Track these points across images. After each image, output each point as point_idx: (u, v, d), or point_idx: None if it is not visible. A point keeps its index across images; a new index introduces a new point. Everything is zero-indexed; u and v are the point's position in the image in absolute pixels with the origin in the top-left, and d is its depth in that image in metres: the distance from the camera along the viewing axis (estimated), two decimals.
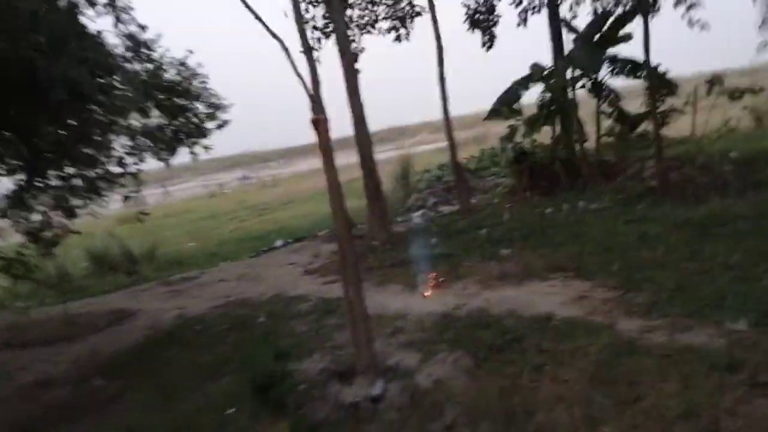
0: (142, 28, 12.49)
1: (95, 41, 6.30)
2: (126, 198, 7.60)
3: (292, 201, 29.44)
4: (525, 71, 15.09)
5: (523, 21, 16.71)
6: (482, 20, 16.90)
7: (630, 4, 14.11)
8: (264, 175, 50.57)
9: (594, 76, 14.02)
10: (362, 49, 16.29)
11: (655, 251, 7.74)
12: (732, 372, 4.25)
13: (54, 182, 5.91)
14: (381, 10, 16.80)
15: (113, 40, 11.32)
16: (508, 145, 15.88)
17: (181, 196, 44.78)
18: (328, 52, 13.90)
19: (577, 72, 14.07)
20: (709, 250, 7.33)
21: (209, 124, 14.22)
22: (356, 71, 11.90)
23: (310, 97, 5.30)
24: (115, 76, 6.84)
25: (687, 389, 4.13)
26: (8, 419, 5.85)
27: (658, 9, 15.14)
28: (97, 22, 8.87)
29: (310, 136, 5.43)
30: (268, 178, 45.88)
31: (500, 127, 16.39)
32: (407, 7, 16.89)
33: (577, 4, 16.53)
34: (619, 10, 14.26)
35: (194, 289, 10.39)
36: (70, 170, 6.11)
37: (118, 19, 12.11)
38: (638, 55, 13.37)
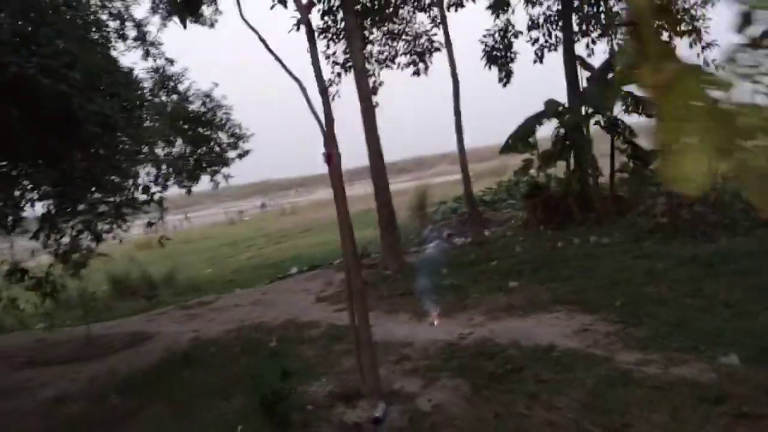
0: (170, 62, 13.20)
1: (127, 76, 6.76)
2: (150, 224, 7.98)
3: (309, 229, 29.86)
4: (541, 106, 15.43)
5: (540, 58, 17.15)
6: (499, 56, 17.35)
7: None
8: (283, 203, 51.36)
9: (609, 112, 14.28)
10: (381, 83, 16.79)
11: (659, 287, 7.89)
12: (718, 404, 4.40)
13: (82, 207, 6.30)
14: (400, 45, 17.34)
15: (142, 74, 11.99)
16: (522, 179, 16.10)
17: (202, 223, 45.54)
18: (349, 85, 14.42)
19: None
20: (712, 287, 7.47)
21: (231, 154, 14.80)
22: (373, 106, 12.33)
23: (324, 133, 5.65)
24: (144, 109, 7.30)
25: (674, 419, 4.29)
26: None
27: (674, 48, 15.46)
28: (126, 55, 9.39)
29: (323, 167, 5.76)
30: (287, 206, 46.56)
31: (518, 160, 16.66)
32: (426, 43, 17.40)
33: (594, 42, 17.00)
34: None
35: (210, 313, 10.70)
36: (98, 196, 6.51)
37: (147, 53, 12.81)
38: None
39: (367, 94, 12.30)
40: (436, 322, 8.20)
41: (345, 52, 15.89)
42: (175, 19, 12.78)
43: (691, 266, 8.58)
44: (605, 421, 4.48)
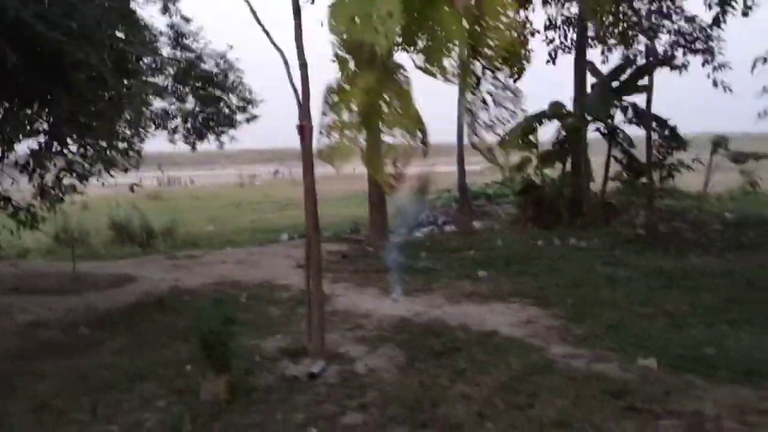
0: (186, 20, 13.53)
1: (131, 29, 7.13)
2: (126, 170, 8.44)
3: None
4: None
5: (552, 60, 17.27)
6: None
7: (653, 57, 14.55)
8: (296, 173, 51.74)
9: (609, 121, 14.49)
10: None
11: (614, 292, 8.25)
12: (618, 398, 4.78)
13: (70, 149, 6.74)
14: None
15: (157, 29, 12.35)
16: (518, 176, 16.39)
17: (213, 182, 46.19)
18: None
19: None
20: (663, 298, 7.81)
21: (239, 117, 15.18)
22: None
23: (300, 105, 6.03)
24: (141, 63, 7.66)
25: (573, 405, 4.68)
26: (6, 350, 6.66)
27: (685, 66, 15.59)
28: (145, 8, 9.78)
29: None
30: (299, 176, 46.93)
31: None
32: None
33: (609, 50, 17.07)
34: (642, 61, 14.71)
35: (195, 266, 11.19)
36: (88, 140, 6.95)
37: (165, 8, 13.14)
38: (657, 109, 13.88)
39: None
40: (399, 299, 8.60)
41: None
42: None
43: (652, 277, 8.91)
44: (514, 399, 4.88)
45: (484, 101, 9.93)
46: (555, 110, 14.82)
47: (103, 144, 7.22)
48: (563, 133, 15.16)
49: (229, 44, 14.29)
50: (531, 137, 15.33)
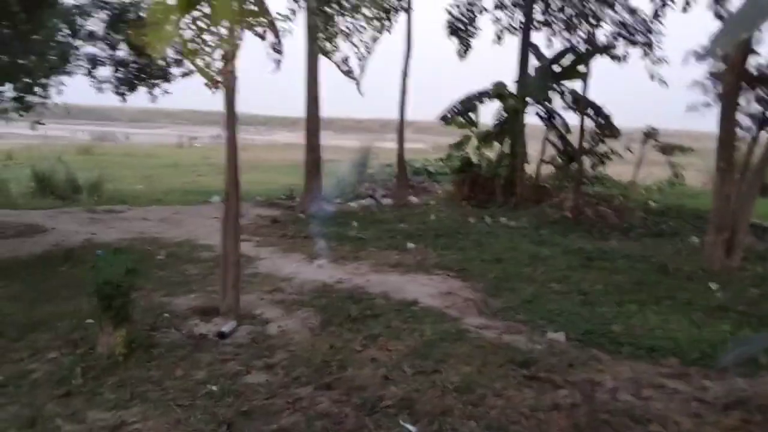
0: None
1: None
2: (35, 123, 7.91)
3: (256, 167, 29.67)
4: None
5: (498, 39, 17.35)
6: (461, 29, 17.45)
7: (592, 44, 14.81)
8: (239, 138, 50.36)
9: (548, 104, 14.70)
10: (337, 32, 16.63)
11: (535, 269, 8.39)
12: (522, 367, 4.84)
13: None
14: None
15: None
16: (456, 154, 16.47)
17: (150, 141, 44.52)
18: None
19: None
20: (580, 276, 8.01)
21: (174, 70, 14.56)
22: (316, 53, 12.35)
23: (226, 53, 5.74)
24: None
25: (478, 372, 4.71)
26: None
27: (624, 58, 15.97)
28: None
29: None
30: (242, 142, 45.81)
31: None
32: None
33: (554, 34, 17.27)
34: (584, 48, 14.95)
35: (115, 221, 10.73)
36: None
37: None
38: (594, 96, 14.15)
39: (315, 37, 12.28)
40: (324, 266, 8.49)
41: None
42: None
43: (573, 257, 9.13)
44: (421, 365, 4.87)
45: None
46: (497, 90, 14.89)
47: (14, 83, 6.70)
48: (504, 114, 15.27)
49: None
50: (471, 115, 15.39)
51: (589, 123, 13.95)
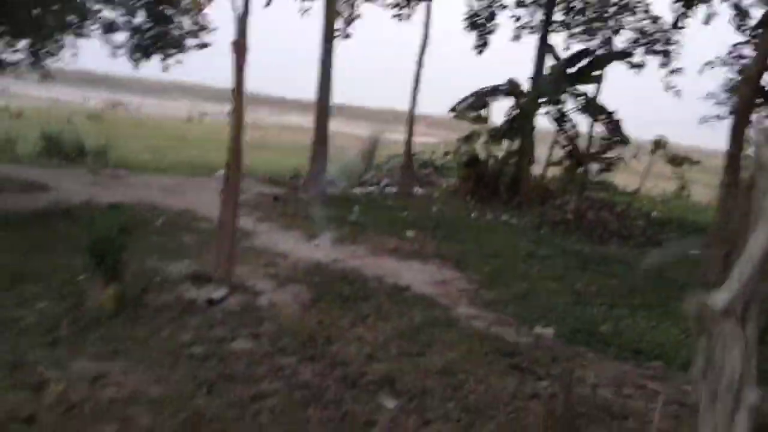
0: None
1: None
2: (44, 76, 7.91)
3: (265, 146, 29.67)
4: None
5: (517, 37, 17.25)
6: (480, 24, 17.35)
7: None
8: (250, 117, 50.39)
9: (560, 106, 14.63)
10: (357, 16, 16.57)
11: (531, 267, 8.38)
12: (507, 357, 4.86)
13: None
14: None
15: None
16: (464, 148, 16.43)
17: (162, 113, 44.52)
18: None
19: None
20: (575, 277, 7.98)
21: (189, 41, 14.58)
22: (332, 39, 12.33)
23: (238, 22, 5.76)
24: None
25: (462, 358, 4.73)
26: None
27: (642, 66, 15.90)
28: None
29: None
30: (251, 121, 45.83)
31: None
32: None
33: (572, 36, 17.15)
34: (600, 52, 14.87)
35: (117, 186, 10.77)
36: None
37: None
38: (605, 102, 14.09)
39: (331, 22, 12.29)
40: (321, 246, 8.51)
41: None
42: None
43: (570, 258, 9.10)
44: (407, 347, 4.90)
45: None
46: (510, 88, 14.83)
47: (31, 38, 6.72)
48: (515, 112, 15.21)
49: None
50: (482, 111, 15.33)
51: (598, 128, 13.90)
